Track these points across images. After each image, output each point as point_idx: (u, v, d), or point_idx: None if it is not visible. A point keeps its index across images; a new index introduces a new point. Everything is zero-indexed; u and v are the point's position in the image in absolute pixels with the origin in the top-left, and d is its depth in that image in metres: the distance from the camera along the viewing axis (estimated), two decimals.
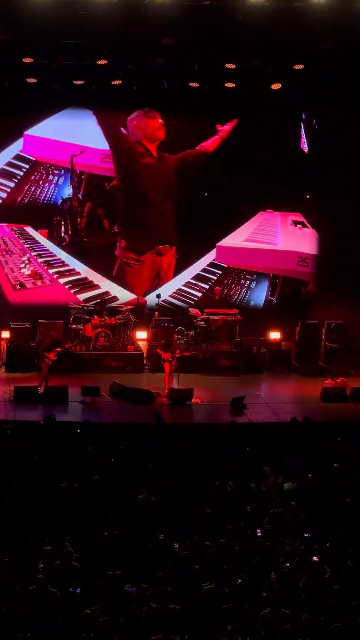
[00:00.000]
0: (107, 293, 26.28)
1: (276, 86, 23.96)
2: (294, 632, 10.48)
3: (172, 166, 26.09)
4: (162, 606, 10.68)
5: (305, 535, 13.21)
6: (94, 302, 25.59)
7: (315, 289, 27.08)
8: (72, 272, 26.43)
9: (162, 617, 10.47)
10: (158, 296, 25.75)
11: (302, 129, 26.74)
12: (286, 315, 26.12)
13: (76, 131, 26.12)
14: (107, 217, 26.49)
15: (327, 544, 12.90)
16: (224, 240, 26.78)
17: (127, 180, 26.20)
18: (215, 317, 24.87)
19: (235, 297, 26.93)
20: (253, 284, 27.16)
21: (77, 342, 23.99)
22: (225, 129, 26.09)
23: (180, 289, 26.83)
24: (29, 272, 26.16)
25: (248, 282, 27.14)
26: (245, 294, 27.14)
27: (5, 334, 24.28)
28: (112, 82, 23.78)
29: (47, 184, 26.34)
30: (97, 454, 16.28)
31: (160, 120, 25.81)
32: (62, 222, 26.45)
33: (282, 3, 19.94)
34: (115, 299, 26.25)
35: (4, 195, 26.12)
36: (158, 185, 26.20)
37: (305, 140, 26.71)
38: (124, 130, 25.94)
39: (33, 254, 26.26)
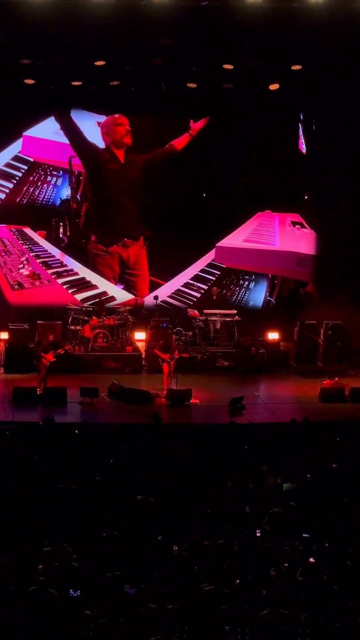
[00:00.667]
0: (104, 293, 26.32)
1: (274, 87, 23.99)
2: (293, 632, 10.48)
3: (140, 167, 26.18)
4: (161, 607, 10.68)
5: (304, 535, 13.21)
6: (92, 302, 25.64)
7: (314, 290, 27.09)
8: (70, 272, 26.47)
9: (161, 618, 10.46)
10: (155, 298, 25.80)
11: (300, 130, 26.77)
12: (285, 316, 26.12)
13: None
14: None
15: (326, 544, 12.90)
16: (223, 240, 26.81)
17: (94, 183, 26.45)
18: (214, 318, 24.88)
19: (234, 297, 26.95)
20: (252, 285, 27.18)
21: (75, 343, 24.00)
22: (196, 126, 26.11)
23: (179, 290, 26.87)
24: (27, 273, 26.20)
25: (247, 282, 27.16)
26: (244, 295, 27.16)
27: (4, 335, 24.29)
28: (110, 83, 23.80)
29: (45, 185, 26.38)
30: (96, 455, 16.27)
31: (127, 127, 25.92)
32: (61, 223, 26.50)
33: (280, 3, 19.94)
34: (112, 299, 26.30)
35: (3, 196, 26.16)
36: (123, 188, 26.40)
37: (303, 140, 26.74)
38: (88, 139, 26.02)
39: (31, 254, 26.30)
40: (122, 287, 26.69)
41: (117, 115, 25.99)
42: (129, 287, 26.66)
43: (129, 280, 26.69)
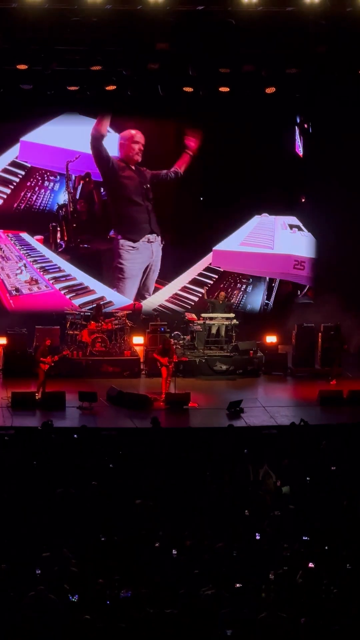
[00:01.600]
0: (102, 298, 26.35)
1: (270, 90, 23.98)
2: (292, 635, 10.48)
3: (147, 179, 26.40)
4: (160, 611, 10.67)
5: (303, 538, 13.22)
6: (90, 306, 25.66)
7: (311, 293, 27.10)
8: (68, 277, 26.50)
9: (160, 622, 10.46)
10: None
11: (297, 133, 26.80)
12: (283, 319, 26.12)
13: (72, 137, 26.17)
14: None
15: (326, 547, 12.91)
16: (220, 244, 26.83)
17: (112, 187, 26.55)
18: (212, 322, 24.86)
19: (232, 301, 26.94)
20: (249, 288, 27.20)
21: (74, 347, 23.99)
22: (193, 145, 26.20)
23: (177, 294, 26.88)
24: (25, 278, 26.23)
25: (244, 286, 27.18)
26: (242, 298, 27.17)
27: (2, 340, 24.27)
28: (107, 88, 23.81)
29: (42, 190, 26.39)
30: (94, 459, 16.28)
31: (141, 147, 26.14)
32: (58, 228, 26.51)
33: (276, 7, 19.95)
34: (110, 303, 26.31)
35: (0, 201, 26.16)
36: (138, 189, 26.50)
37: (299, 143, 26.76)
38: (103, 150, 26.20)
39: (29, 260, 26.32)
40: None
41: (134, 132, 26.15)
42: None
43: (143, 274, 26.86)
